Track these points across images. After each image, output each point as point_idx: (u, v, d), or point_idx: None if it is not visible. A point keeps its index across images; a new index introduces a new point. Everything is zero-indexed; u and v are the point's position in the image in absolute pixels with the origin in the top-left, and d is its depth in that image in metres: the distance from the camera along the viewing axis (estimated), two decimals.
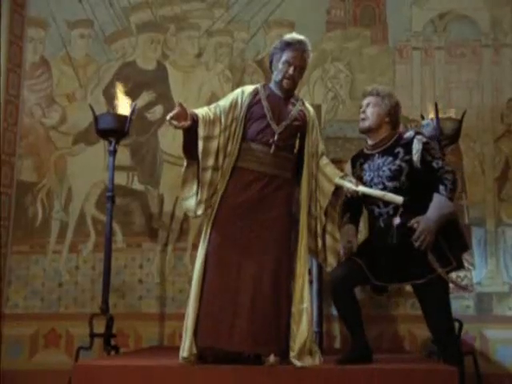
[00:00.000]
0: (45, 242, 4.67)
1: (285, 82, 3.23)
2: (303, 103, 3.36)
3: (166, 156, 4.73)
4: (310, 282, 3.48)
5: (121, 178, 4.63)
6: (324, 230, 3.28)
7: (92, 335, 4.03)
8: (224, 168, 3.17)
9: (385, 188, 3.20)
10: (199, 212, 3.16)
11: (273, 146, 3.17)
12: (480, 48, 4.77)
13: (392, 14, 4.83)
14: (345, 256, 3.23)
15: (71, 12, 4.95)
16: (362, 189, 3.18)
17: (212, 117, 3.17)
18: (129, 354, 3.89)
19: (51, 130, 4.83)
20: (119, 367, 3.03)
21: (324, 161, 3.33)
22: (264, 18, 4.88)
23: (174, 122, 3.00)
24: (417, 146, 3.20)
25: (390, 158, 3.24)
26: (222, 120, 3.19)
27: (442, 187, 3.12)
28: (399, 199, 3.09)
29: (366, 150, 3.39)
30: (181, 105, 3.04)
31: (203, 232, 3.20)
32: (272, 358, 2.98)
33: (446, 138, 4.07)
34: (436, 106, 4.04)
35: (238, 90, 3.33)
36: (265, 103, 3.24)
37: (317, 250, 3.28)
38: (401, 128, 3.49)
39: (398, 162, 3.22)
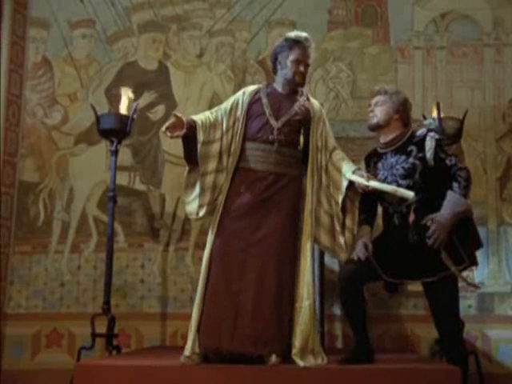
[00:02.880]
0: (47, 242, 4.67)
1: (297, 78, 3.25)
2: (307, 98, 3.35)
3: (168, 156, 4.73)
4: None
5: (122, 178, 4.62)
6: (343, 227, 3.20)
7: (94, 335, 4.03)
8: (228, 168, 3.18)
9: (399, 186, 3.15)
10: (201, 214, 3.18)
11: (275, 143, 3.17)
12: (482, 47, 4.76)
13: (394, 13, 4.82)
14: (363, 258, 3.16)
15: (73, 12, 4.94)
16: (373, 183, 3.11)
17: (212, 120, 3.19)
18: (131, 354, 3.88)
19: (53, 130, 4.82)
20: (121, 367, 3.04)
21: (337, 155, 3.27)
22: (265, 18, 4.87)
23: (168, 134, 3.04)
24: (430, 144, 3.20)
25: (404, 157, 3.23)
26: (224, 122, 3.21)
27: (455, 185, 3.11)
28: (410, 194, 3.06)
29: (378, 149, 3.38)
30: (176, 115, 3.07)
31: (209, 232, 3.20)
32: (274, 359, 2.98)
33: (448, 137, 4.06)
34: (438, 105, 4.03)
35: (240, 92, 3.36)
36: (264, 100, 3.26)
37: (334, 247, 3.22)
38: None
39: (411, 160, 3.21)
